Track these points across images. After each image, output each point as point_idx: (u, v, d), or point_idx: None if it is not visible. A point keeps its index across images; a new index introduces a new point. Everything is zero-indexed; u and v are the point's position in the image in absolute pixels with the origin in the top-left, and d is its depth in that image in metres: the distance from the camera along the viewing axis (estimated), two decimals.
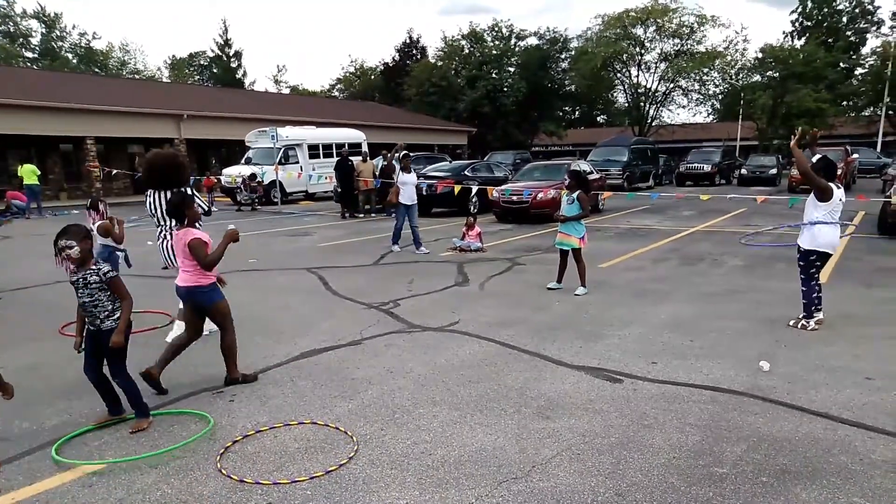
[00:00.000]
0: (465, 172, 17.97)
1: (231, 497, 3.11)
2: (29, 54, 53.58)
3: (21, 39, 53.43)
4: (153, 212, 5.53)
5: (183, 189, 5.28)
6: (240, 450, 3.63)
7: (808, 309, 5.81)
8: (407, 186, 10.98)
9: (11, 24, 52.60)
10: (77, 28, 77.29)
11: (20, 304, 7.50)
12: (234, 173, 22.46)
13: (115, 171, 23.18)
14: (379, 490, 3.18)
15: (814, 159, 5.96)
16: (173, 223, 4.76)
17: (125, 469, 3.41)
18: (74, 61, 54.76)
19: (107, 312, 3.78)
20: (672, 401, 4.28)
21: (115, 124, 25.49)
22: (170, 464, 3.45)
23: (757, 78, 43.08)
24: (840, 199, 5.65)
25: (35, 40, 54.32)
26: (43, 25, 54.28)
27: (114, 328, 3.77)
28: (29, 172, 19.25)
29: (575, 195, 7.68)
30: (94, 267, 3.74)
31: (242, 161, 23.79)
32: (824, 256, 5.82)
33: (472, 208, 16.55)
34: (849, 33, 46.69)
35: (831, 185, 5.63)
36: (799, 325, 5.80)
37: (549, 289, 7.68)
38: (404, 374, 4.84)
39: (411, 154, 14.23)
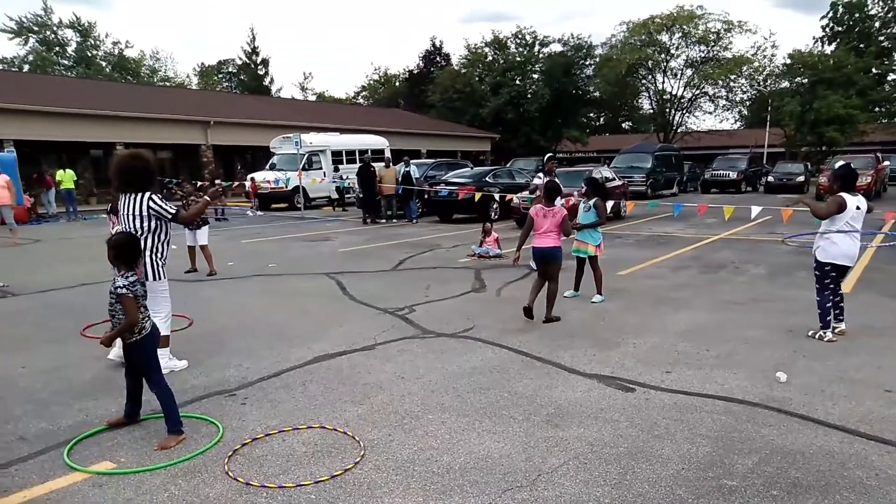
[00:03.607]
0: (487, 179, 17.95)
1: (236, 500, 3.14)
2: (65, 62, 54.88)
3: (57, 48, 54.77)
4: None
5: (139, 197, 4.77)
6: (248, 453, 3.66)
7: (824, 320, 5.69)
8: None
9: (49, 32, 53.96)
10: (110, 37, 79.04)
11: (44, 306, 7.67)
12: (260, 179, 22.77)
13: None
14: (383, 496, 3.18)
15: (836, 165, 5.84)
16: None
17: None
18: (108, 69, 55.95)
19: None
20: (684, 411, 4.22)
21: (144, 131, 25.98)
22: (178, 465, 3.50)
23: (785, 84, 42.43)
24: (857, 208, 5.51)
25: (71, 49, 55.63)
26: (78, 34, 55.59)
27: (134, 341, 3.79)
28: (68, 178, 20.12)
29: (591, 202, 7.63)
30: (120, 276, 3.78)
31: (267, 167, 24.08)
32: (841, 269, 5.69)
33: (492, 215, 16.55)
34: (881, 38, 45.72)
35: (844, 195, 5.50)
36: (816, 336, 5.68)
37: (565, 297, 7.62)
38: (415, 380, 4.85)
39: (426, 161, 14.23)
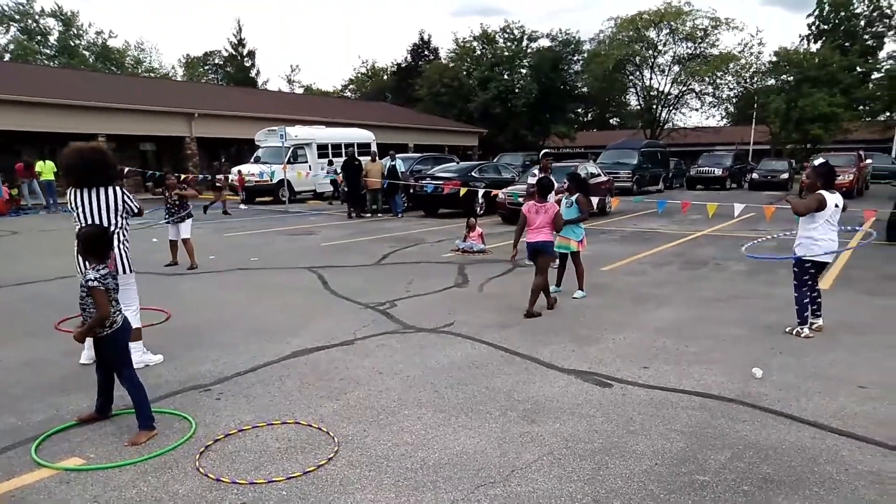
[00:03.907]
0: (472, 174, 17.93)
1: (206, 496, 3.11)
2: (47, 52, 54.15)
3: (39, 37, 54.01)
4: (73, 212, 4.73)
5: (113, 192, 4.70)
6: (220, 448, 3.63)
7: (802, 316, 5.74)
8: None
9: (30, 21, 53.19)
10: (93, 26, 77.99)
11: (20, 299, 7.56)
12: (245, 172, 22.59)
13: (126, 169, 23.29)
14: (355, 492, 3.16)
15: (815, 163, 5.88)
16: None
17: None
18: (91, 59, 55.28)
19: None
20: (660, 406, 4.23)
21: (127, 122, 25.67)
22: (148, 461, 3.45)
23: (771, 82, 42.73)
24: (836, 205, 5.56)
25: (53, 38, 54.92)
26: (60, 23, 54.85)
27: (105, 335, 3.73)
28: (48, 169, 19.89)
29: (574, 198, 7.64)
30: (91, 269, 3.72)
31: (251, 160, 23.89)
32: (820, 265, 5.74)
33: (477, 209, 16.53)
34: (866, 37, 46.12)
35: (823, 193, 5.55)
36: (794, 332, 5.72)
37: None
38: (393, 375, 4.83)
39: (411, 155, 14.17)
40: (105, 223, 4.61)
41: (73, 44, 55.44)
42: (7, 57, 49.52)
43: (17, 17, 52.42)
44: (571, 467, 3.41)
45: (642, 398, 4.38)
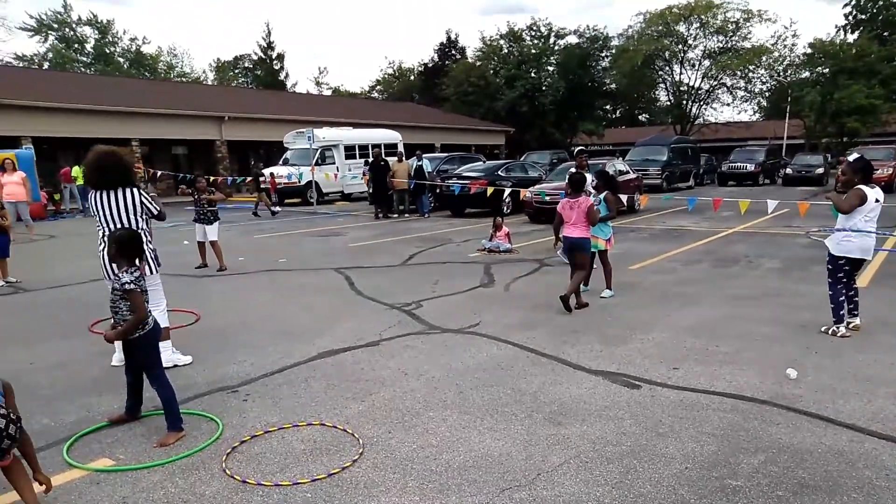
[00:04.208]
0: (499, 172, 17.85)
1: (232, 498, 3.13)
2: (83, 59, 55.50)
3: (76, 45, 55.40)
4: (95, 214, 4.79)
5: (131, 193, 4.73)
6: (246, 450, 3.65)
7: (837, 314, 5.57)
8: None
9: (68, 29, 54.58)
10: (128, 33, 79.60)
11: (55, 301, 7.74)
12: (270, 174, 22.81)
13: (159, 173, 23.78)
14: (379, 494, 3.15)
15: (850, 158, 5.70)
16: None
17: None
18: (125, 66, 56.49)
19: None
20: (690, 408, 4.14)
21: (159, 126, 26.15)
22: (176, 462, 3.49)
23: (805, 74, 41.73)
24: (876, 201, 5.39)
25: (89, 46, 56.23)
26: (96, 31, 56.17)
27: (137, 336, 3.77)
28: (83, 174, 20.33)
29: (602, 196, 7.55)
30: (124, 272, 3.76)
31: (280, 162, 24.14)
32: (856, 262, 5.57)
33: (504, 209, 16.46)
34: None
35: (863, 187, 5.37)
36: (829, 332, 5.56)
37: None
38: (418, 377, 4.81)
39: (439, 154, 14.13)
40: (126, 225, 4.67)
41: (108, 51, 56.71)
42: (46, 65, 50.86)
43: (56, 26, 53.82)
44: (599, 471, 3.35)
45: (672, 400, 4.29)
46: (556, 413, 4.11)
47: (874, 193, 5.40)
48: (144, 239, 4.75)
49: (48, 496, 3.13)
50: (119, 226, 4.67)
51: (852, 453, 3.48)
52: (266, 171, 23.47)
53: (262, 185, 19.57)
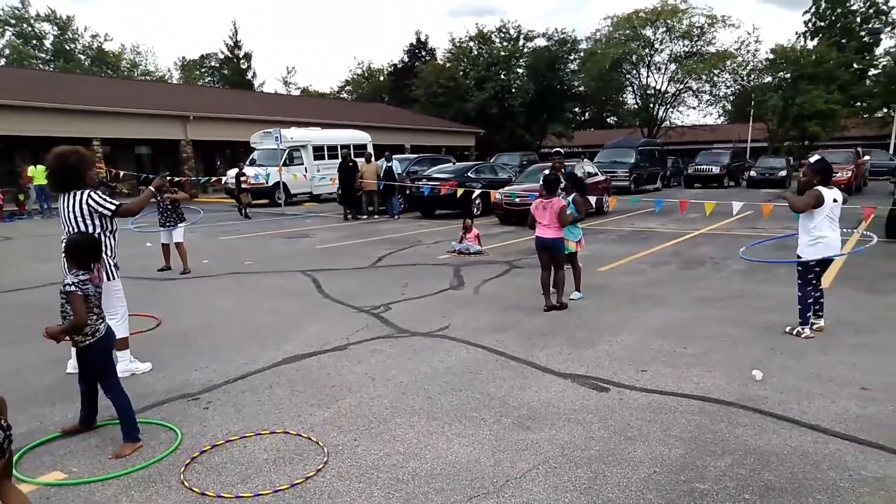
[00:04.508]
0: (469, 174, 17.84)
1: None
2: (42, 56, 54.04)
3: (34, 41, 53.91)
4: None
5: (77, 194, 4.55)
6: (206, 460, 3.53)
7: (804, 316, 5.64)
8: None
9: (26, 25, 53.08)
10: (89, 30, 77.57)
11: (9, 306, 7.45)
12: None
13: (122, 173, 23.22)
14: None
15: (811, 160, 5.79)
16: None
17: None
18: (87, 63, 55.16)
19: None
20: (658, 411, 4.14)
21: (122, 125, 25.56)
22: (132, 474, 3.36)
23: (768, 79, 42.69)
24: (834, 201, 5.47)
25: (48, 42, 54.80)
26: (55, 27, 54.76)
27: (87, 344, 3.63)
28: (40, 174, 19.66)
29: (571, 198, 7.55)
30: (70, 274, 3.62)
31: (247, 162, 23.76)
32: (825, 263, 5.65)
33: (474, 210, 16.45)
34: (862, 34, 46.13)
35: (821, 189, 5.46)
36: (794, 333, 5.63)
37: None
38: (386, 382, 4.73)
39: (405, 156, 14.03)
40: (80, 228, 4.50)
41: (68, 48, 55.34)
42: (2, 62, 49.39)
43: (13, 21, 52.30)
44: (567, 476, 3.31)
45: (640, 402, 4.29)
46: (524, 417, 4.07)
47: (832, 194, 5.48)
48: (106, 244, 4.58)
49: None
50: (75, 229, 4.51)
51: (817, 454, 3.50)
52: (229, 172, 23.11)
53: (244, 186, 19.12)
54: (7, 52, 51.52)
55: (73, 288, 3.52)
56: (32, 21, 53.48)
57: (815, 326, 5.71)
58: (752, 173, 29.13)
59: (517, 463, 3.47)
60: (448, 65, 47.21)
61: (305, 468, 3.42)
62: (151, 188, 5.27)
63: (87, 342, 3.61)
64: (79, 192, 4.55)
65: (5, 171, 23.26)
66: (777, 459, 3.45)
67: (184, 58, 66.27)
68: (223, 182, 22.97)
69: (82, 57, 56.06)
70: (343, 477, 3.33)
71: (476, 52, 46.61)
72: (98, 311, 3.68)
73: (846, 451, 3.54)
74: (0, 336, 6.08)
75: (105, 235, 4.63)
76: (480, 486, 3.23)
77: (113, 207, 4.61)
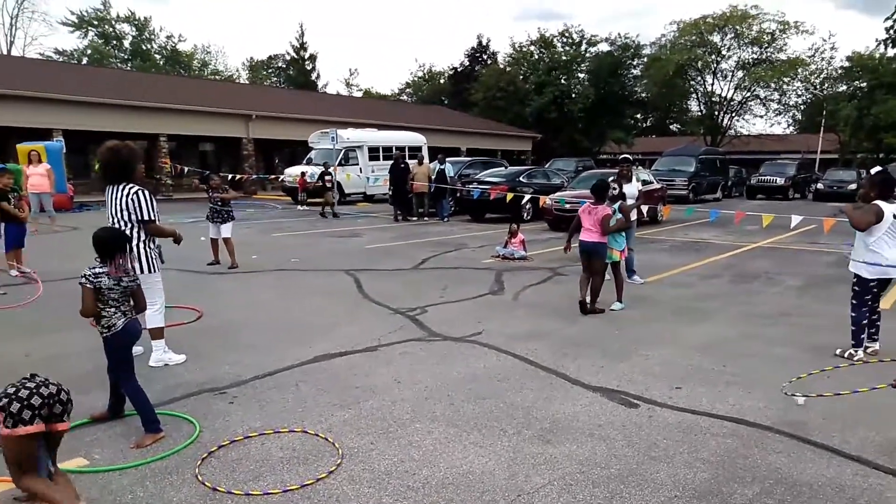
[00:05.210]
0: (520, 179, 17.69)
1: None
2: (121, 55, 56.66)
3: (115, 42, 56.61)
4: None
5: (123, 188, 4.72)
6: (223, 455, 3.57)
7: (857, 337, 5.31)
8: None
9: (107, 26, 55.80)
10: (164, 31, 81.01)
11: (64, 293, 7.76)
12: (296, 173, 22.85)
13: (186, 169, 24.06)
14: None
15: (872, 171, 5.46)
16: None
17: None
18: (161, 62, 57.52)
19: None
20: (688, 431, 3.96)
21: (187, 123, 26.51)
22: (149, 465, 3.42)
23: (843, 88, 40.81)
24: (894, 216, 5.12)
25: (127, 42, 57.42)
26: (134, 28, 57.38)
27: (105, 337, 3.75)
28: None
29: (616, 206, 7.37)
30: (91, 267, 3.75)
31: (304, 161, 24.24)
32: (884, 282, 5.32)
33: (524, 215, 16.29)
34: None
35: (880, 203, 5.12)
36: (846, 355, 5.31)
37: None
38: (411, 385, 4.70)
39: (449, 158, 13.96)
40: (118, 222, 4.66)
41: (145, 48, 57.82)
42: (85, 60, 51.98)
43: (96, 22, 55.06)
44: (582, 494, 3.20)
45: (669, 421, 4.11)
46: (546, 430, 3.96)
47: (892, 209, 5.14)
48: (138, 238, 4.72)
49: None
50: (120, 221, 4.69)
51: (855, 488, 3.27)
52: (292, 170, 23.47)
53: (328, 185, 18.55)
54: (89, 51, 54.19)
55: (82, 280, 3.65)
56: (113, 22, 56.17)
57: (868, 350, 5.38)
58: (820, 185, 27.90)
59: (532, 477, 3.37)
60: (508, 69, 47.04)
61: (318, 469, 3.41)
62: (176, 232, 5.19)
63: (105, 335, 3.72)
64: (127, 186, 4.72)
65: (81, 165, 24.38)
66: (810, 491, 3.25)
67: (252, 58, 68.30)
68: (279, 180, 23.44)
69: (157, 57, 58.48)
70: (354, 480, 3.31)
71: (537, 57, 46.30)
72: (115, 304, 3.74)
73: (889, 486, 3.30)
74: (51, 322, 6.35)
75: (142, 229, 4.77)
76: (491, 498, 3.15)
77: (147, 217, 4.75)
